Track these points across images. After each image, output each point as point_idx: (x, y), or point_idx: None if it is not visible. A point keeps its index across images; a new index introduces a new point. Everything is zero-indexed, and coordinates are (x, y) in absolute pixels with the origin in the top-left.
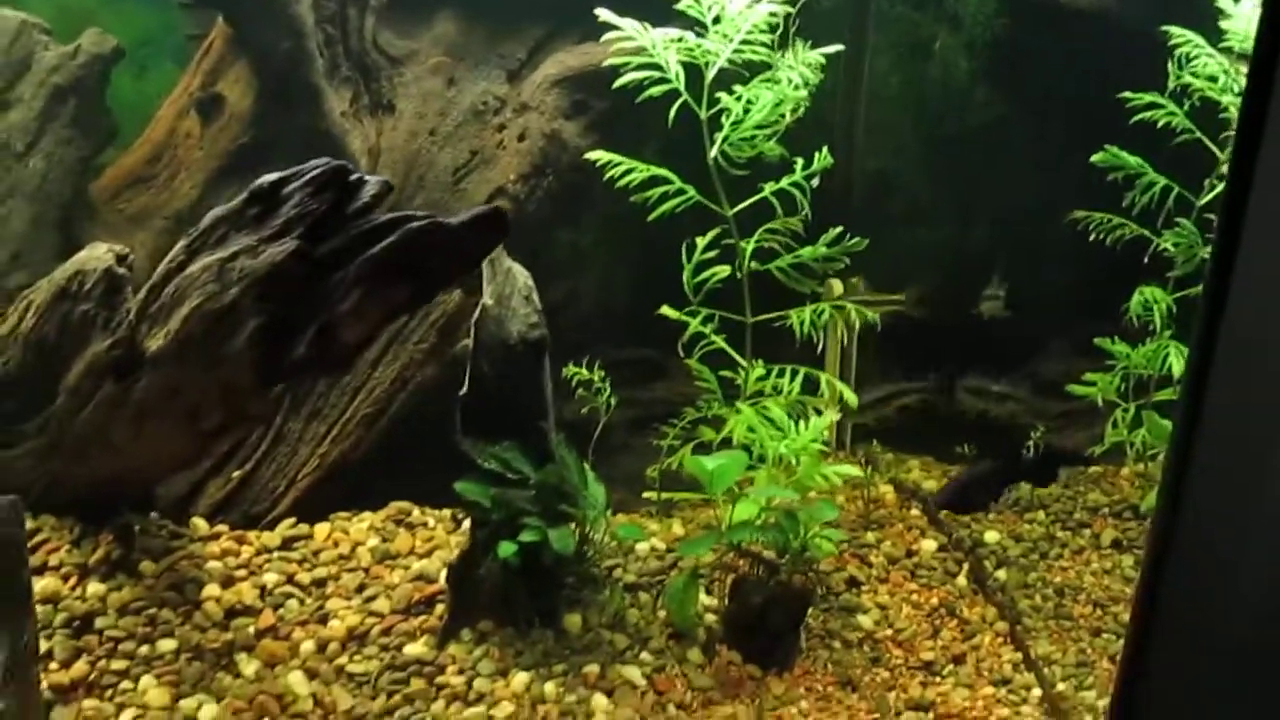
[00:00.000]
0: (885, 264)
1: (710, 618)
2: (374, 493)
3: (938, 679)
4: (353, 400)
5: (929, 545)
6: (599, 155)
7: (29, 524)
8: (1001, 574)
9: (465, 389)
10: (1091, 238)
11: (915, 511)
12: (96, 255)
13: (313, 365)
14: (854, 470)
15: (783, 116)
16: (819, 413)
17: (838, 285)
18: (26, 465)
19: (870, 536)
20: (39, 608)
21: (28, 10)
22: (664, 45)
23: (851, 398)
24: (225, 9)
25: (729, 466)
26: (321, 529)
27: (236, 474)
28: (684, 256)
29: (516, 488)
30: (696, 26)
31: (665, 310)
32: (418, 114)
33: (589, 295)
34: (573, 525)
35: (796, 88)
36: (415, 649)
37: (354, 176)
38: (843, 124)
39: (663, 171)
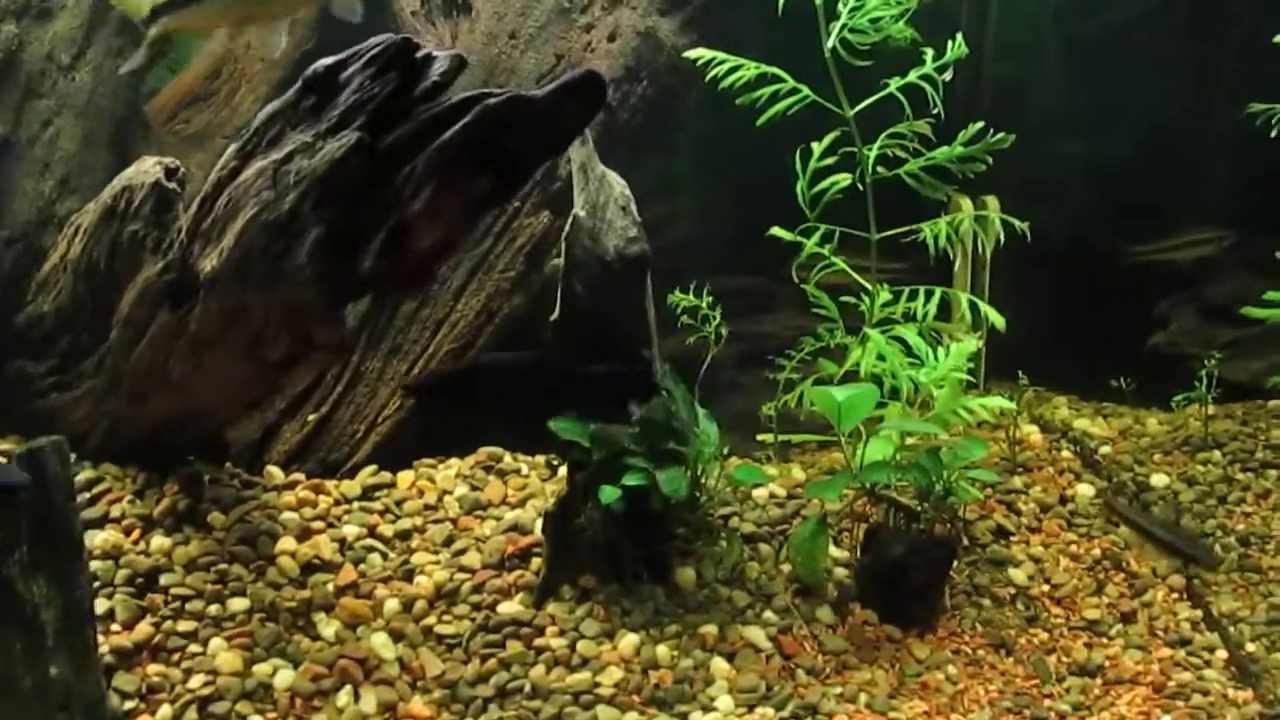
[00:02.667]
0: (1020, 178)
1: (841, 572)
2: (461, 437)
3: (1104, 640)
4: (435, 335)
5: (1085, 490)
6: (700, 53)
7: (89, 473)
8: None
9: (558, 312)
10: (1275, 133)
11: (1067, 453)
12: (144, 170)
13: (386, 279)
14: (1002, 402)
15: None
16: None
17: (967, 204)
18: (85, 408)
19: (1018, 481)
20: (99, 564)
21: None
22: None
23: (999, 320)
24: None
25: (860, 399)
26: (405, 477)
27: (312, 417)
28: (798, 165)
29: (618, 424)
30: None
31: (776, 231)
32: (496, 14)
33: (687, 216)
34: (683, 467)
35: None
36: (510, 608)
37: (421, 53)
38: (971, 25)
39: (774, 69)
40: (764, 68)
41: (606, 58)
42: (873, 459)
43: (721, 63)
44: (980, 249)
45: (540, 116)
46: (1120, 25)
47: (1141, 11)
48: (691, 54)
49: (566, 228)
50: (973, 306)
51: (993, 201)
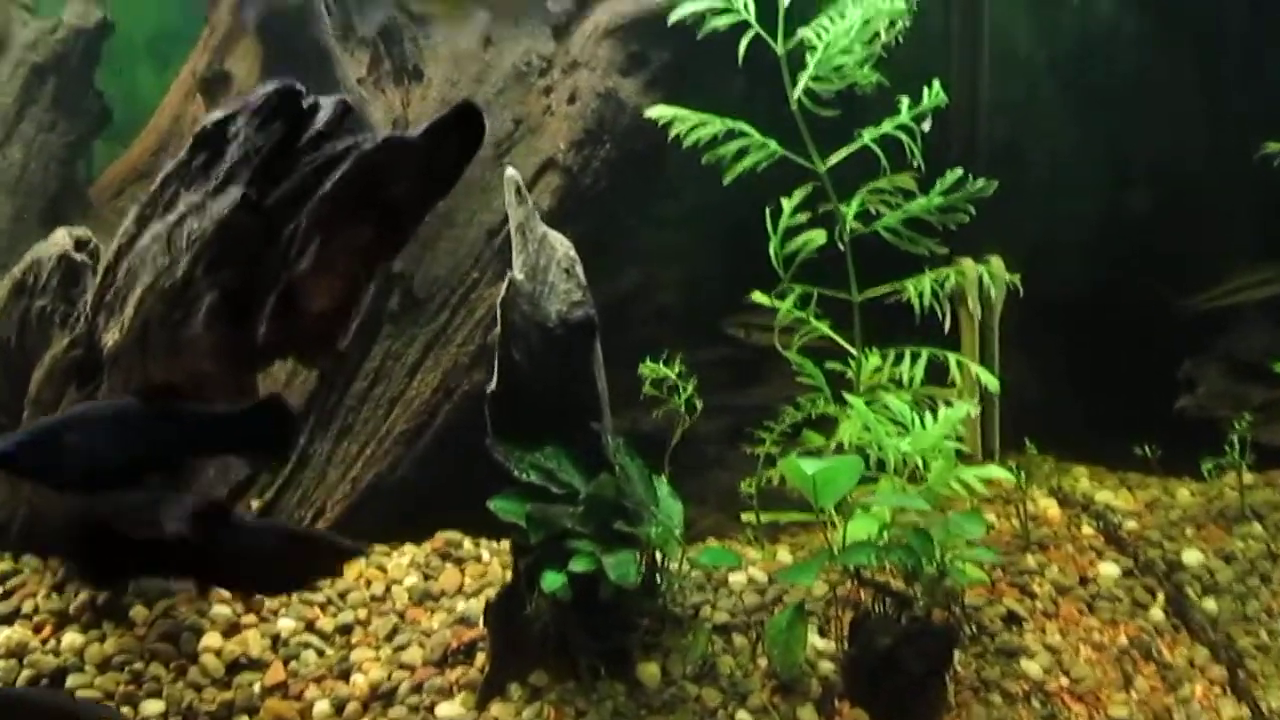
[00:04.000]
0: (1027, 237)
1: (827, 665)
2: (417, 522)
3: None
4: (389, 414)
5: (1109, 570)
6: (661, 111)
7: (6, 565)
8: (1210, 604)
9: (494, 384)
10: None
11: (1088, 529)
12: (54, 242)
13: (284, 346)
14: (1000, 472)
15: (876, 36)
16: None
17: (970, 264)
18: (3, 495)
19: (1031, 560)
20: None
21: (44, 6)
22: None
23: (991, 382)
24: None
25: (838, 472)
26: (352, 566)
27: (255, 503)
28: (769, 224)
29: (563, 503)
30: None
31: (756, 296)
32: (449, 80)
33: (666, 284)
34: (636, 550)
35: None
36: (450, 709)
37: (309, 100)
38: (962, 73)
39: (738, 123)
40: (729, 122)
41: (566, 120)
42: (855, 538)
43: (684, 120)
44: (986, 309)
45: (418, 159)
46: (1123, 74)
47: (1143, 60)
48: (652, 112)
49: (502, 292)
50: (962, 368)
51: (997, 261)
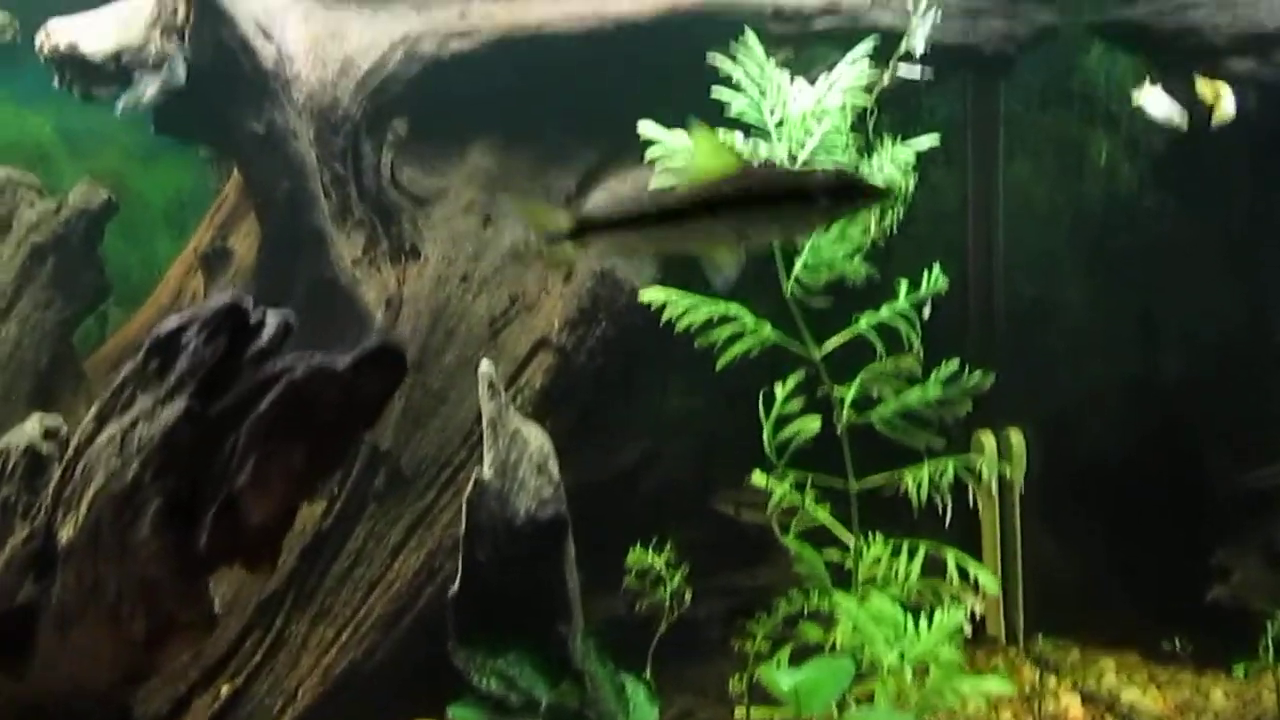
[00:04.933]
0: (1051, 404)
1: None
2: (392, 712)
3: None
4: (367, 597)
5: None
6: (654, 295)
7: None
8: None
9: (457, 585)
10: None
11: None
12: (24, 429)
13: (226, 555)
14: (1000, 685)
15: (865, 229)
16: (963, 605)
17: (989, 439)
18: None
19: None
20: None
21: (63, 178)
22: None
23: (990, 582)
24: (231, 153)
25: (823, 680)
26: None
27: (226, 689)
28: (761, 410)
29: (524, 714)
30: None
31: (756, 478)
32: (446, 258)
33: (671, 458)
34: None
35: None
36: None
37: (255, 316)
38: (978, 245)
39: (731, 307)
40: (722, 306)
41: (561, 299)
42: None
43: (677, 303)
44: (1006, 485)
45: (342, 388)
46: (1147, 239)
47: (1169, 224)
48: (645, 295)
49: (468, 490)
50: (961, 569)
51: (1017, 435)
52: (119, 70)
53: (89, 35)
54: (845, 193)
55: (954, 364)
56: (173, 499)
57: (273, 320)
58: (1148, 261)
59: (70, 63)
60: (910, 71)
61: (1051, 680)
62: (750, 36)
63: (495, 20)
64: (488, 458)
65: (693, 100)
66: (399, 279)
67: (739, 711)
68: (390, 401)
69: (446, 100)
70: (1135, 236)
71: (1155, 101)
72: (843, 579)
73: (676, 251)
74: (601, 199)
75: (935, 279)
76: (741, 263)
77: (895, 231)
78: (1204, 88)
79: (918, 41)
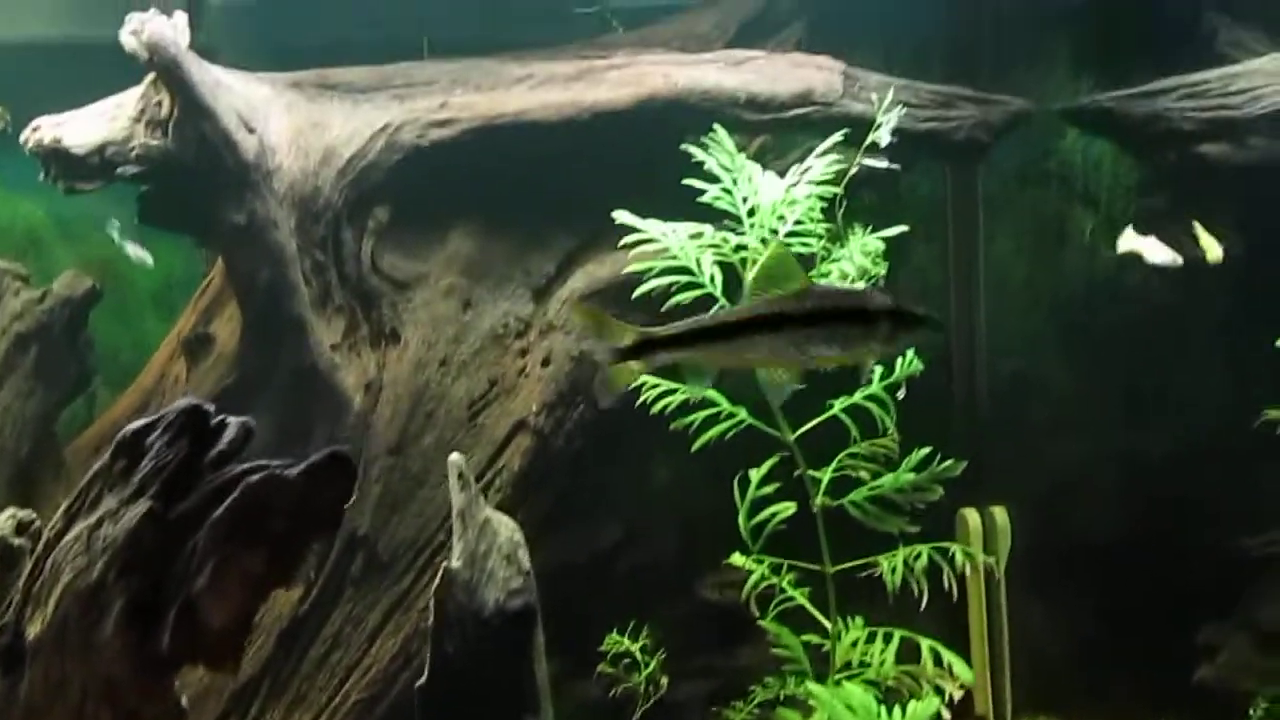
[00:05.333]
0: (1036, 484)
1: None
2: None
3: None
4: (344, 683)
5: None
6: (630, 377)
7: None
8: None
9: (425, 677)
10: None
11: None
12: None
13: (187, 657)
14: None
15: None
16: (940, 691)
17: (973, 517)
18: None
19: None
20: None
21: (55, 263)
22: (696, 247)
23: (964, 671)
24: (213, 243)
25: None
26: None
27: None
28: (736, 494)
29: None
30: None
31: (735, 559)
32: (426, 342)
33: (653, 537)
34: None
35: (849, 279)
36: None
37: (216, 419)
38: (961, 323)
39: (707, 392)
40: (696, 390)
41: (540, 382)
42: None
43: (654, 387)
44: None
45: (295, 496)
46: (1125, 317)
47: (1154, 303)
48: (620, 379)
49: (436, 582)
50: (936, 656)
51: (1001, 514)
52: (102, 164)
53: (74, 130)
54: (902, 320)
55: (926, 450)
56: (136, 599)
57: (233, 425)
58: (1129, 338)
59: (55, 157)
60: (878, 162)
61: None
62: (722, 131)
63: (475, 109)
64: (457, 548)
65: (669, 187)
66: (379, 363)
67: None
68: (343, 510)
69: (427, 187)
70: (1116, 314)
71: (1152, 250)
72: (823, 662)
73: (736, 368)
74: (581, 283)
75: (910, 362)
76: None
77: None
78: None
79: (884, 134)
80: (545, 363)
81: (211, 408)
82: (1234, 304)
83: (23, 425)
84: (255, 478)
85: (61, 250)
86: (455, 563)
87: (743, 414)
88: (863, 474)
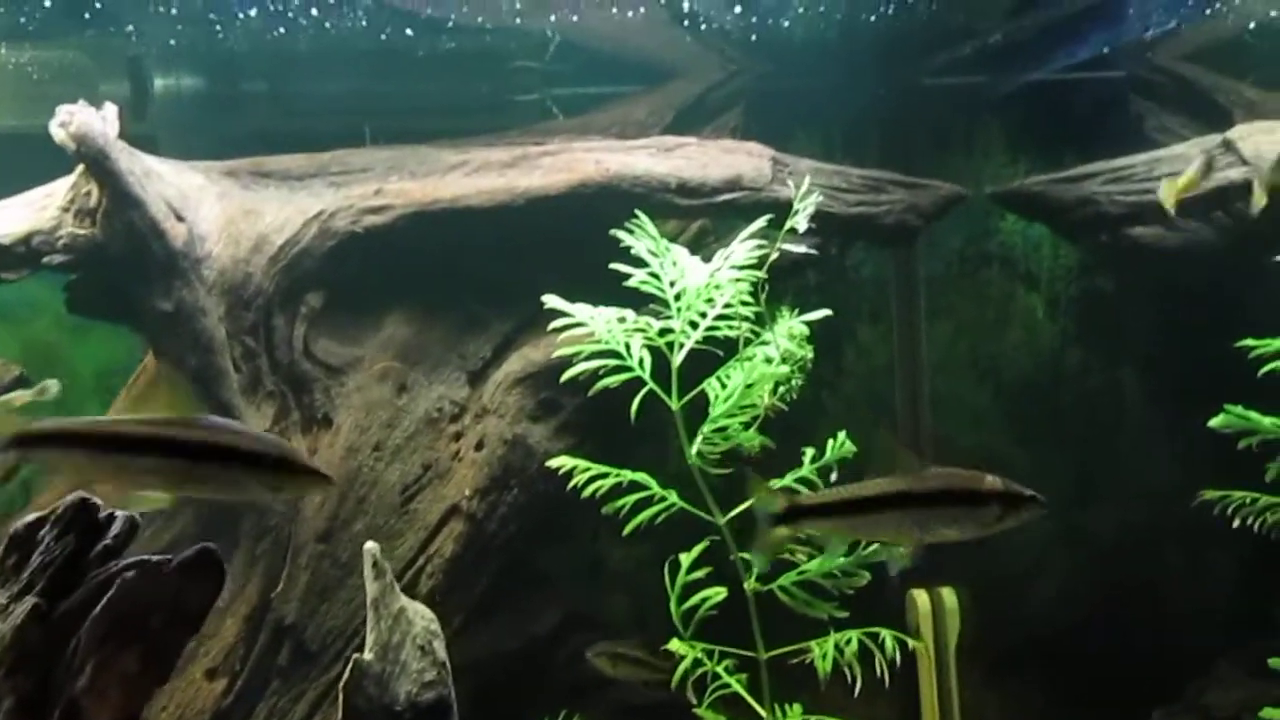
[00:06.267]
0: (989, 565)
1: None
2: None
3: None
4: None
5: None
6: (561, 461)
7: None
8: None
9: None
10: (1235, 524)
11: None
12: None
13: None
14: None
15: (760, 399)
16: None
17: (923, 598)
18: None
19: None
20: None
21: None
22: (623, 330)
23: None
24: (140, 331)
25: None
26: None
27: None
28: (666, 580)
29: None
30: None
31: (674, 645)
32: (359, 426)
33: (594, 623)
34: None
35: (773, 363)
36: None
37: (104, 513)
38: (905, 401)
39: (637, 475)
40: (628, 474)
41: (474, 467)
42: None
43: (584, 470)
44: (941, 645)
45: (170, 593)
46: (1068, 395)
47: (1093, 382)
48: (553, 462)
49: (345, 676)
50: None
51: (949, 594)
52: (29, 253)
53: (1, 219)
54: (1012, 501)
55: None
56: (24, 698)
57: (120, 519)
58: (1074, 416)
59: None
60: (796, 246)
61: None
62: (644, 217)
63: (410, 195)
64: (369, 639)
65: (602, 271)
66: (310, 449)
67: None
68: (211, 609)
69: (362, 272)
70: (1060, 391)
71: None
72: None
73: (867, 538)
74: (516, 366)
75: (841, 444)
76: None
77: (793, 400)
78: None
79: (801, 220)
80: (479, 446)
81: (100, 502)
82: (1173, 382)
83: None
84: (131, 573)
85: (2, 335)
86: (367, 655)
87: (673, 497)
88: (799, 557)
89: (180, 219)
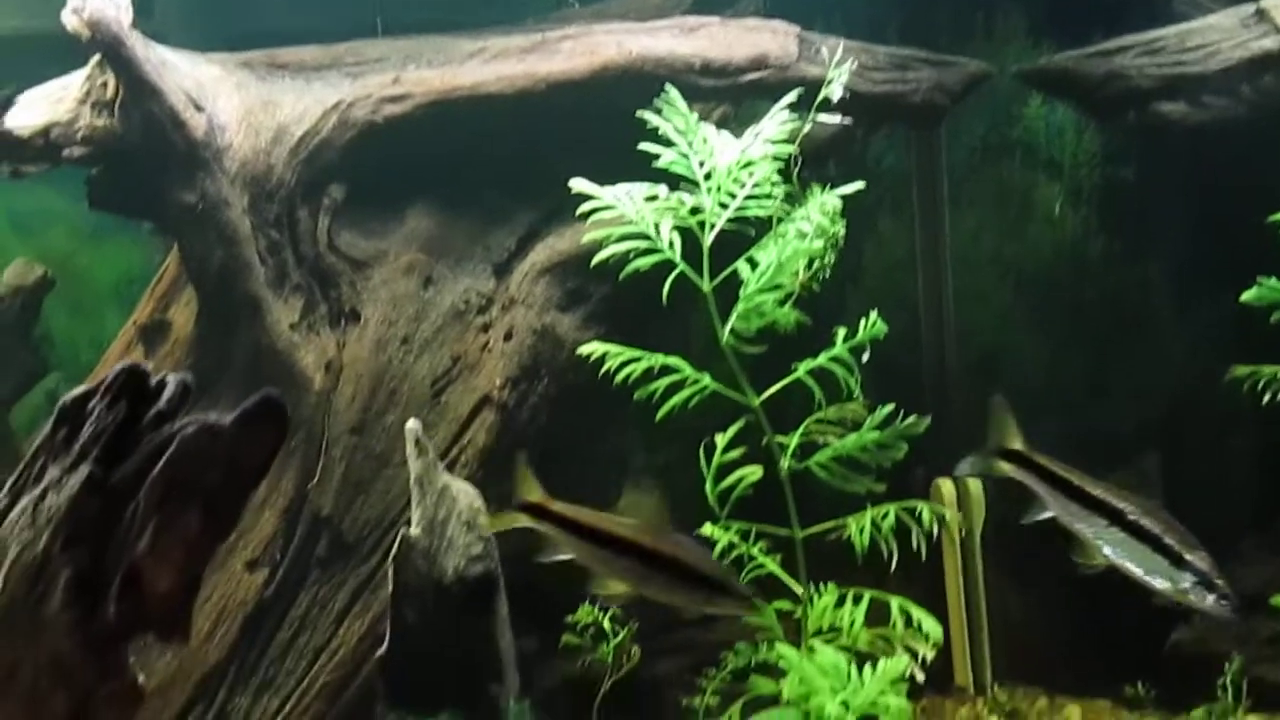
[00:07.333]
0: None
1: None
2: None
3: None
4: (312, 665)
5: None
6: (591, 348)
7: None
8: None
9: (385, 647)
10: (1265, 400)
11: None
12: None
13: (134, 626)
14: None
15: (795, 275)
16: (913, 653)
17: (948, 487)
18: None
19: None
20: None
21: (9, 259)
22: (654, 211)
23: (934, 628)
24: (165, 226)
25: None
26: None
27: None
28: (702, 461)
29: None
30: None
31: (706, 530)
32: (386, 320)
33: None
34: None
35: (808, 238)
36: None
37: (156, 379)
38: (928, 295)
39: (670, 359)
40: (660, 358)
41: (503, 357)
42: None
43: (616, 356)
44: (967, 532)
45: (227, 449)
46: (1092, 286)
47: (1118, 271)
48: (584, 349)
49: (394, 550)
50: (905, 614)
51: (975, 484)
52: (48, 146)
53: (17, 112)
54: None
55: (889, 407)
56: (81, 570)
57: (171, 382)
58: (1097, 308)
59: None
60: (830, 118)
61: None
62: (674, 92)
63: (429, 84)
64: (415, 515)
65: (627, 156)
66: (338, 343)
67: None
68: (273, 459)
69: (383, 164)
70: (1083, 283)
71: None
72: (797, 630)
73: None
74: (542, 256)
75: (873, 324)
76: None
77: (828, 278)
78: None
79: (835, 89)
80: (508, 337)
81: (150, 368)
82: (1198, 268)
83: None
84: (189, 430)
85: (17, 246)
86: (414, 530)
87: (706, 379)
88: (830, 439)
89: (199, 109)
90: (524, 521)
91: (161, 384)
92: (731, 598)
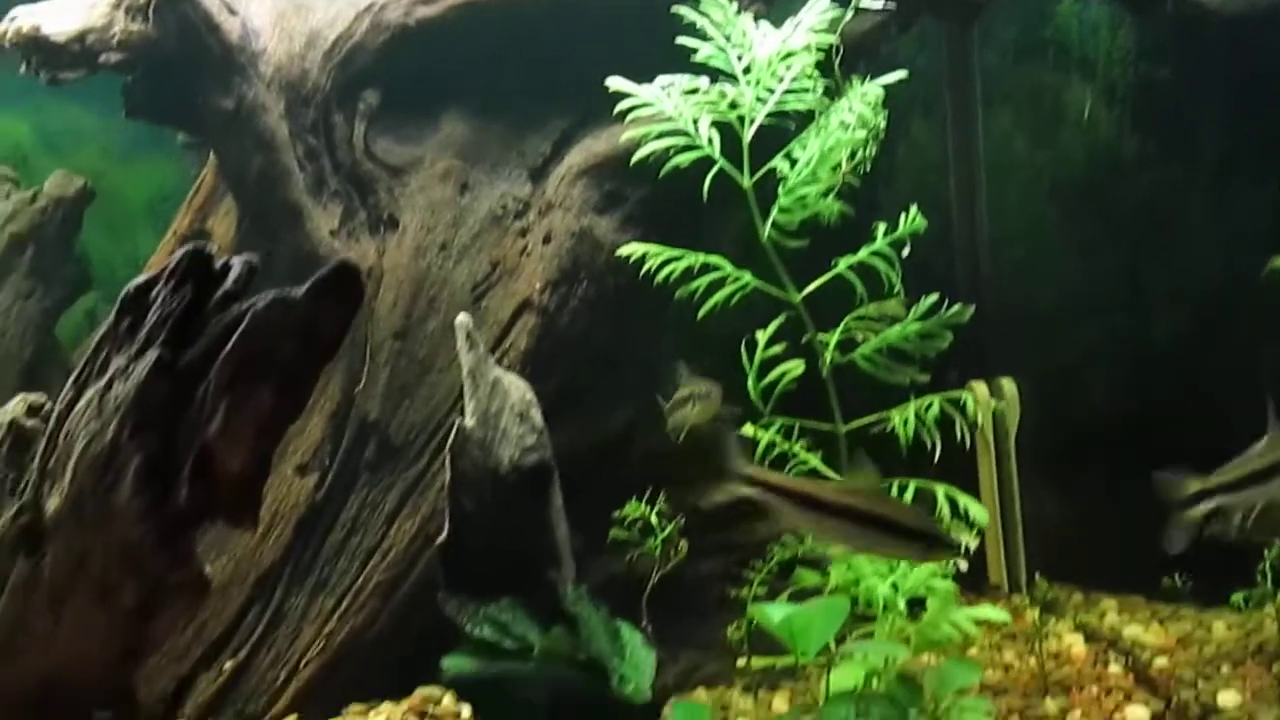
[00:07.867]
0: (1044, 361)
1: None
2: (394, 678)
3: None
4: (365, 565)
5: (1138, 713)
6: (632, 248)
7: None
8: None
9: (445, 535)
10: None
11: (1115, 668)
12: (7, 408)
13: (206, 510)
14: (995, 613)
15: (837, 168)
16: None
17: (981, 389)
18: None
19: (1051, 706)
20: None
21: (41, 179)
22: (692, 106)
23: (980, 513)
24: (203, 133)
25: (815, 617)
26: None
27: (229, 665)
28: (744, 357)
29: (517, 658)
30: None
31: (748, 429)
32: (425, 226)
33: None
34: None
35: (850, 128)
36: None
37: (221, 261)
38: (961, 198)
39: (712, 258)
40: (701, 256)
41: (542, 261)
42: (838, 689)
43: (656, 256)
44: (1001, 433)
45: (301, 320)
46: (1125, 188)
47: (1152, 170)
48: (623, 250)
49: (450, 440)
50: (951, 502)
51: (1009, 385)
52: (84, 52)
53: (53, 19)
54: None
55: (933, 298)
56: (151, 457)
57: (237, 264)
58: (1131, 210)
59: (35, 47)
60: (873, 3)
61: (1053, 621)
62: None
63: None
64: (469, 407)
65: (662, 55)
66: (378, 249)
67: (740, 660)
68: (348, 333)
69: (416, 68)
70: (1117, 185)
71: None
72: None
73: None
74: (578, 159)
75: (914, 219)
76: None
77: (868, 172)
78: None
79: None
80: (546, 240)
81: (214, 249)
82: (1229, 169)
83: (25, 327)
84: (262, 304)
85: (49, 166)
86: (469, 421)
87: (747, 277)
88: (869, 336)
89: (233, 12)
90: (746, 491)
91: (227, 265)
92: (945, 548)
